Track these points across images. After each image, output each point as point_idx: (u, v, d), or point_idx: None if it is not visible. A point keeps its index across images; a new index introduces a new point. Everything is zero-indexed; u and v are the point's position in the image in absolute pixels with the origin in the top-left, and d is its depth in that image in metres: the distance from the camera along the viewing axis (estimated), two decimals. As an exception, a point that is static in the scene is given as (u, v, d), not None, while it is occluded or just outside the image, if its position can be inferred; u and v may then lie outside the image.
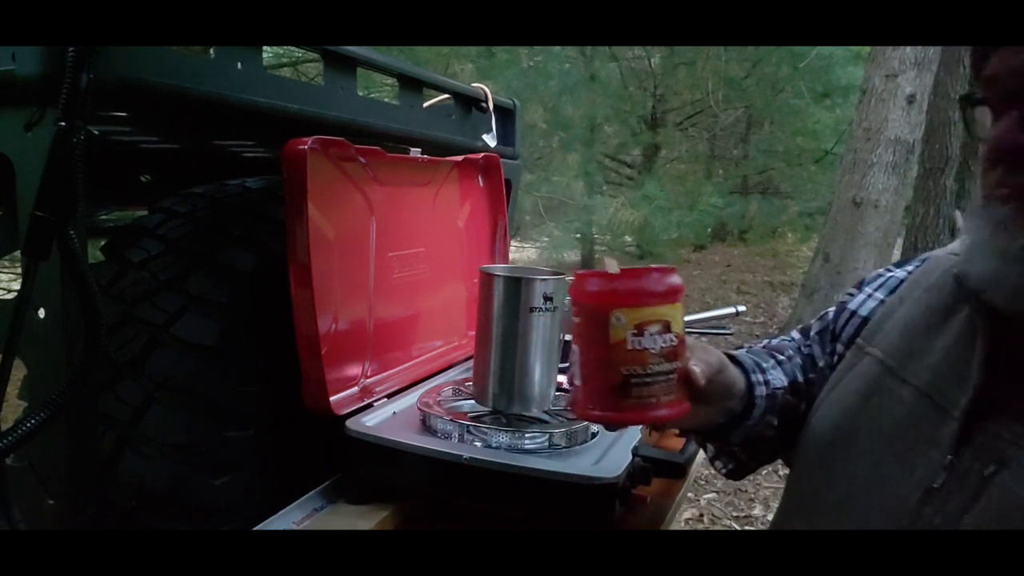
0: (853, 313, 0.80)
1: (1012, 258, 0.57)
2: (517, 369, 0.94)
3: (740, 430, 0.75)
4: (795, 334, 0.91)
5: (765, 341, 0.91)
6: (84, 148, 0.66)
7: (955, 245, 0.74)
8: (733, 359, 0.75)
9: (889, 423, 0.67)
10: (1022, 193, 0.57)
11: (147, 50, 0.73)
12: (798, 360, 0.85)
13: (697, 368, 0.63)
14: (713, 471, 3.55)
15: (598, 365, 0.60)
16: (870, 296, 0.80)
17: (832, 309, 0.85)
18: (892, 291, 0.79)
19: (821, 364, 0.82)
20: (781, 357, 0.83)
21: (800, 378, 0.81)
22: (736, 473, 0.85)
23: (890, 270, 0.82)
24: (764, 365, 0.78)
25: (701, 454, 1.11)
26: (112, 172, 1.37)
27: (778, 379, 0.78)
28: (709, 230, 9.60)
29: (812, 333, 0.87)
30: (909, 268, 0.80)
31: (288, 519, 0.85)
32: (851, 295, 0.83)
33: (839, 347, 0.80)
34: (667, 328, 0.60)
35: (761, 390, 0.75)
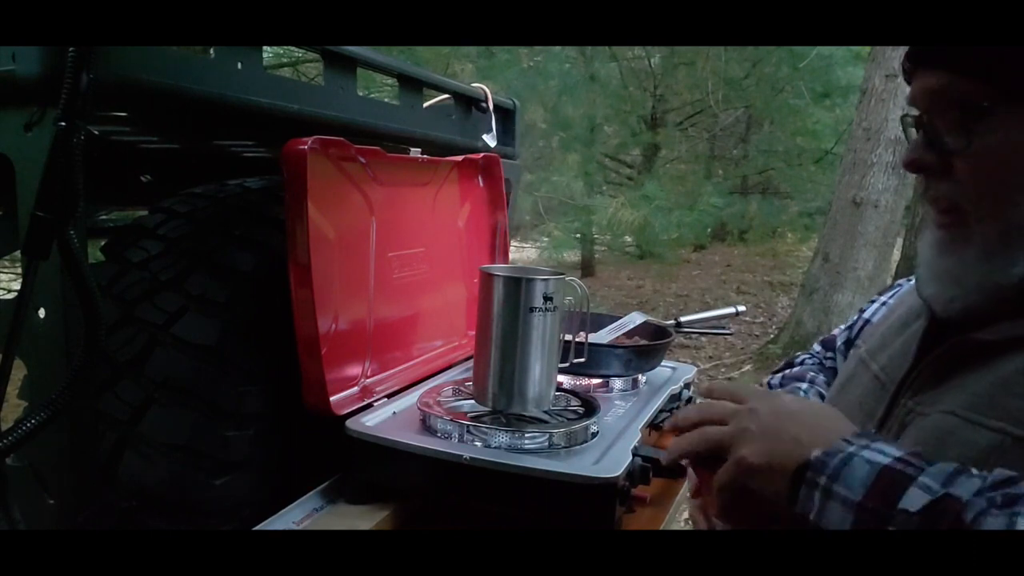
0: (867, 321, 0.89)
1: (947, 282, 0.66)
2: (517, 369, 0.94)
3: None
4: (816, 347, 1.01)
5: (784, 371, 1.00)
6: (84, 148, 0.66)
7: None
8: None
9: (851, 402, 0.75)
10: (941, 216, 0.66)
11: (147, 50, 0.73)
12: (821, 378, 0.93)
13: None
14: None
15: None
16: (883, 304, 0.89)
17: (854, 318, 0.94)
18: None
19: None
20: (804, 385, 0.92)
21: (824, 395, 0.90)
22: None
23: (909, 279, 0.89)
24: None
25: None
26: (112, 172, 1.37)
27: None
28: (709, 230, 9.59)
29: (838, 344, 0.95)
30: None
31: (288, 519, 0.85)
32: (871, 303, 0.92)
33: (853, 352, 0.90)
34: None
35: None
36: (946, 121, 0.63)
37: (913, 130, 0.67)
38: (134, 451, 0.89)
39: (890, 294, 0.90)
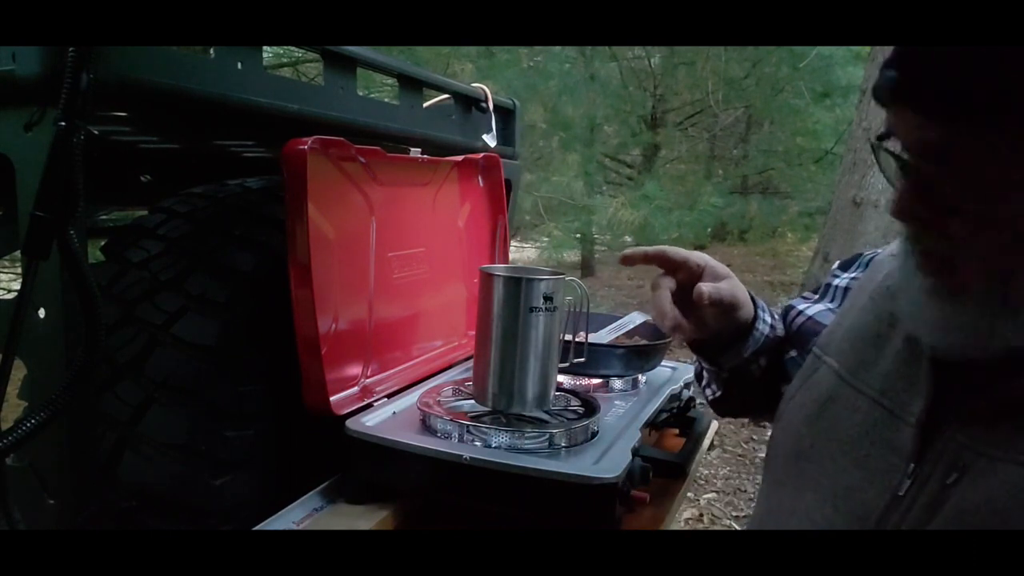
0: (800, 312, 0.87)
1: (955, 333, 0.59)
2: (517, 369, 0.94)
3: (732, 355, 0.84)
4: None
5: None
6: (84, 148, 0.67)
7: (895, 246, 0.76)
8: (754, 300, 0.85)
9: (846, 430, 0.68)
10: (928, 264, 0.60)
11: (147, 50, 0.73)
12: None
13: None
14: (711, 470, 3.54)
15: None
16: (815, 302, 0.87)
17: (784, 311, 0.91)
18: (841, 300, 0.83)
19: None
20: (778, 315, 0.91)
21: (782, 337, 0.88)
22: (721, 403, 0.93)
23: (836, 275, 0.86)
24: (773, 316, 0.87)
25: (700, 455, 1.11)
26: (112, 172, 1.37)
27: (779, 328, 0.87)
28: (709, 230, 9.58)
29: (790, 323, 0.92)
30: (853, 274, 0.83)
31: (288, 519, 0.85)
32: (805, 301, 0.89)
33: (780, 327, 0.88)
34: None
35: (764, 328, 0.84)
36: (957, 183, 0.53)
37: (893, 166, 0.57)
38: (134, 451, 0.89)
39: (828, 295, 0.85)
